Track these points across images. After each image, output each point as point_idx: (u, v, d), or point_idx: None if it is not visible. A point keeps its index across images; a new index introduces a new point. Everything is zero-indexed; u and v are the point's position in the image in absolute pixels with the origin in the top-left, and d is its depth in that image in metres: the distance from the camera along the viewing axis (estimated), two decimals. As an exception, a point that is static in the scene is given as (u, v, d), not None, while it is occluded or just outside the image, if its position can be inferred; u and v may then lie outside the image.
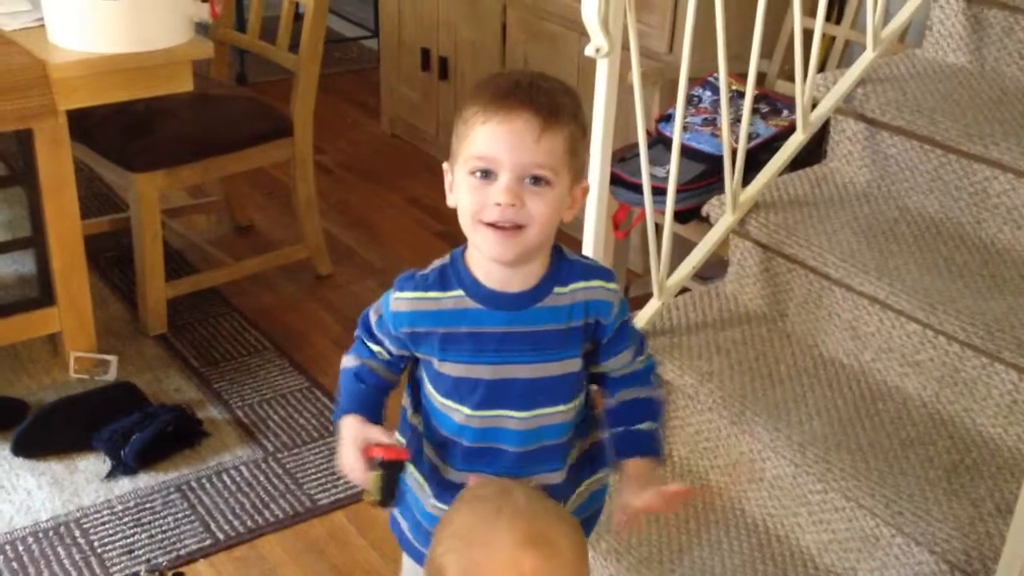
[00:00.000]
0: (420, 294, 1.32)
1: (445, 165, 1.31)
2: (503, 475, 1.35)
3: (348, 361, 1.42)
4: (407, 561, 1.53)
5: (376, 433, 1.33)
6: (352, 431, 1.34)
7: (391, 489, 1.31)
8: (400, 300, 1.33)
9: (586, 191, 1.34)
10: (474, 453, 1.37)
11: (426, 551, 1.44)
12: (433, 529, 1.38)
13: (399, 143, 4.00)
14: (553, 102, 1.23)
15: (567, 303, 1.32)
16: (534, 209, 1.23)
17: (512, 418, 1.34)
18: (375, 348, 1.40)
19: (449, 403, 1.35)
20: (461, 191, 1.26)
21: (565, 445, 1.40)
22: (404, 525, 1.49)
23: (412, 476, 1.44)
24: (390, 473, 1.30)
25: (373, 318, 1.39)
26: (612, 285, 1.36)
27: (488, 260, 1.28)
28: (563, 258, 1.34)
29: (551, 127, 1.22)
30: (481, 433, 1.35)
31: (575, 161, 1.27)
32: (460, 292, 1.31)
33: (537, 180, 1.23)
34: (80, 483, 2.23)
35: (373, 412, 1.38)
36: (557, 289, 1.32)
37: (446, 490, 1.39)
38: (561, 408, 1.36)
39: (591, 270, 1.35)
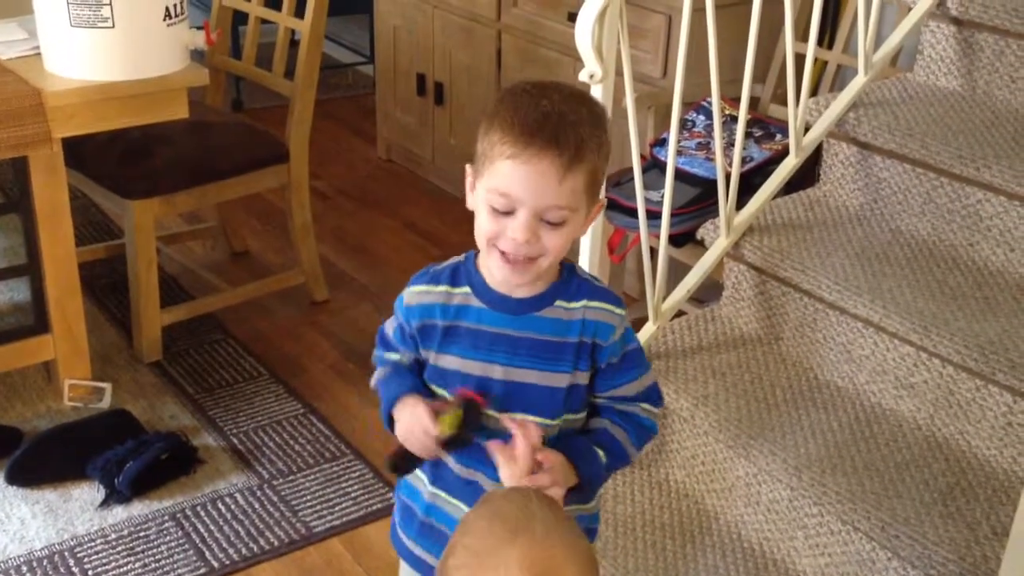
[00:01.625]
0: (431, 287, 1.37)
1: (468, 167, 1.32)
2: (492, 477, 1.34)
3: (378, 374, 1.44)
4: (404, 569, 1.53)
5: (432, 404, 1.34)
6: (410, 407, 1.34)
7: (473, 424, 1.31)
8: (413, 293, 1.38)
9: (602, 206, 1.35)
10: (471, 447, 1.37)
11: (420, 553, 1.46)
12: (427, 520, 1.43)
13: (395, 168, 4.01)
14: (579, 139, 1.23)
15: (569, 318, 1.34)
16: (549, 243, 1.26)
17: (492, 417, 1.35)
18: (395, 357, 1.43)
19: (442, 392, 1.37)
20: (480, 210, 1.28)
21: None
22: (400, 532, 1.50)
23: (426, 487, 1.45)
24: (470, 411, 1.31)
25: (389, 330, 1.43)
26: (618, 310, 1.36)
27: (496, 273, 1.31)
28: (574, 275, 1.36)
29: (574, 167, 1.23)
30: None
31: (594, 188, 1.28)
32: (467, 289, 1.35)
33: (553, 221, 1.25)
34: (74, 512, 2.22)
35: (411, 383, 1.39)
36: (561, 303, 1.34)
37: (440, 477, 1.41)
38: (545, 421, 1.35)
39: (600, 292, 1.37)
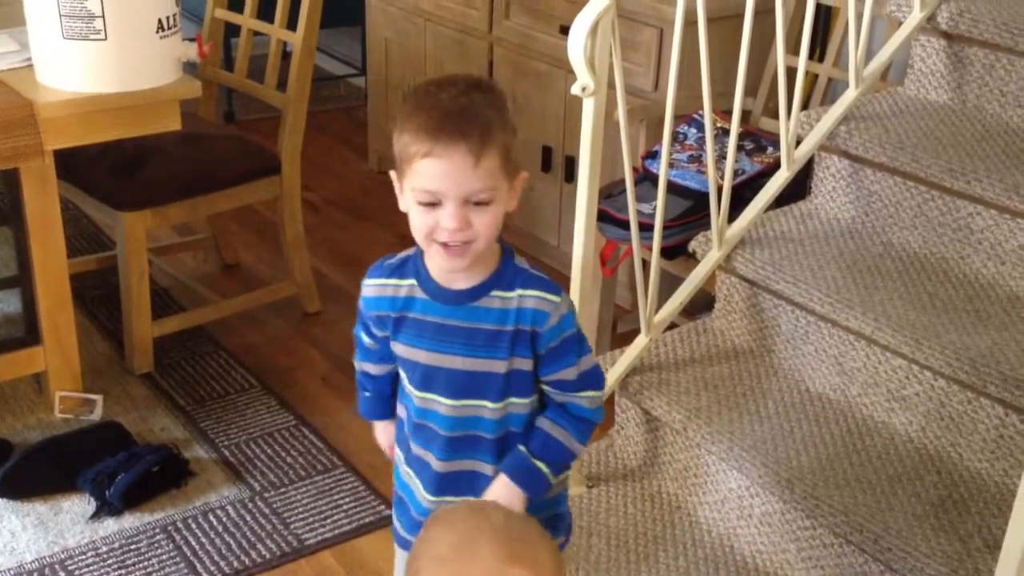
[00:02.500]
0: (383, 280, 1.47)
1: (392, 173, 1.41)
2: (438, 457, 1.48)
3: (355, 363, 1.62)
4: (400, 554, 1.64)
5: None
6: (376, 433, 1.65)
7: None
8: (368, 287, 1.48)
9: (524, 180, 1.41)
10: (418, 428, 1.50)
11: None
12: (421, 518, 1.51)
13: (387, 180, 3.98)
14: (484, 125, 1.32)
15: (504, 307, 1.41)
16: (480, 225, 1.34)
17: (440, 403, 1.46)
18: (367, 340, 1.54)
19: (403, 377, 1.50)
20: (411, 211, 1.37)
21: (496, 441, 1.47)
22: (396, 522, 1.62)
23: (402, 465, 1.57)
24: None
25: (361, 307, 1.52)
26: (553, 297, 1.42)
27: (440, 266, 1.40)
28: (511, 264, 1.43)
29: (485, 151, 1.32)
30: (421, 411, 1.48)
31: (510, 164, 1.36)
32: (413, 281, 1.44)
33: (480, 201, 1.33)
34: (65, 524, 2.21)
35: (382, 412, 1.62)
36: (497, 292, 1.42)
37: (406, 456, 1.55)
38: (488, 404, 1.45)
39: (535, 280, 1.43)
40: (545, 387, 1.48)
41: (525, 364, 1.44)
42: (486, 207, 1.34)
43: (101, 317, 2.96)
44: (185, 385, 2.69)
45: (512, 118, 1.39)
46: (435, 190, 1.32)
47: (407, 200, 1.37)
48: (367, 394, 1.62)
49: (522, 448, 1.47)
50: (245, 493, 2.33)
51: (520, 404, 1.47)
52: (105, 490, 2.24)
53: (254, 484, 2.35)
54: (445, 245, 1.35)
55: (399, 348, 1.47)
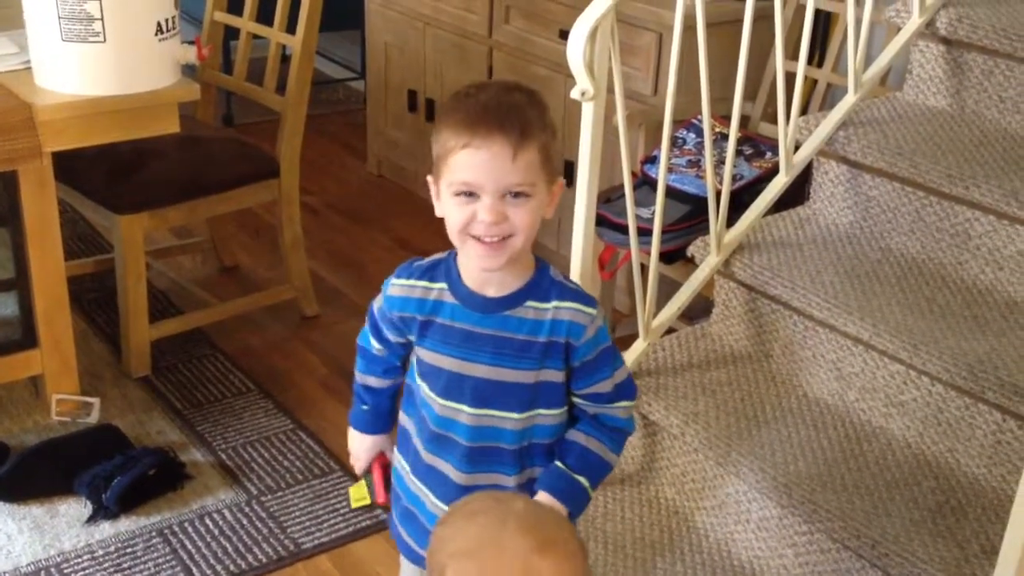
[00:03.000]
0: (412, 281, 1.44)
1: (429, 177, 1.40)
2: (459, 468, 1.45)
3: (357, 375, 1.59)
4: (405, 564, 1.62)
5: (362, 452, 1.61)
6: (355, 443, 1.62)
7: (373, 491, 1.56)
8: (395, 286, 1.45)
9: (562, 187, 1.41)
10: (436, 438, 1.46)
11: (413, 546, 1.55)
12: (411, 508, 1.53)
13: (386, 184, 4.01)
14: (523, 120, 1.32)
15: (539, 318, 1.39)
16: (517, 220, 1.32)
17: (463, 412, 1.43)
18: (375, 347, 1.53)
19: (424, 384, 1.46)
20: (448, 207, 1.35)
21: (517, 452, 1.45)
22: (400, 528, 1.58)
23: (408, 476, 1.54)
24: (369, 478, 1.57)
25: (375, 307, 1.51)
26: (590, 310, 1.41)
27: (476, 265, 1.37)
28: (547, 276, 1.42)
29: (524, 145, 1.31)
30: (442, 420, 1.45)
31: (549, 165, 1.36)
32: (444, 285, 1.42)
33: (517, 195, 1.32)
34: (61, 528, 2.21)
35: (373, 427, 1.59)
36: (532, 303, 1.40)
37: (414, 465, 1.52)
38: (512, 415, 1.42)
39: (572, 292, 1.42)
40: (578, 400, 1.46)
41: (555, 376, 1.42)
42: (524, 202, 1.32)
43: (98, 320, 2.96)
44: (182, 388, 2.68)
45: (552, 119, 1.38)
46: (472, 181, 1.31)
47: (444, 199, 1.36)
48: (364, 407, 1.59)
49: (560, 464, 1.44)
50: (242, 497, 2.32)
51: (549, 416, 1.45)
52: (101, 493, 2.23)
53: (251, 488, 2.35)
54: (481, 241, 1.33)
55: (424, 353, 1.44)
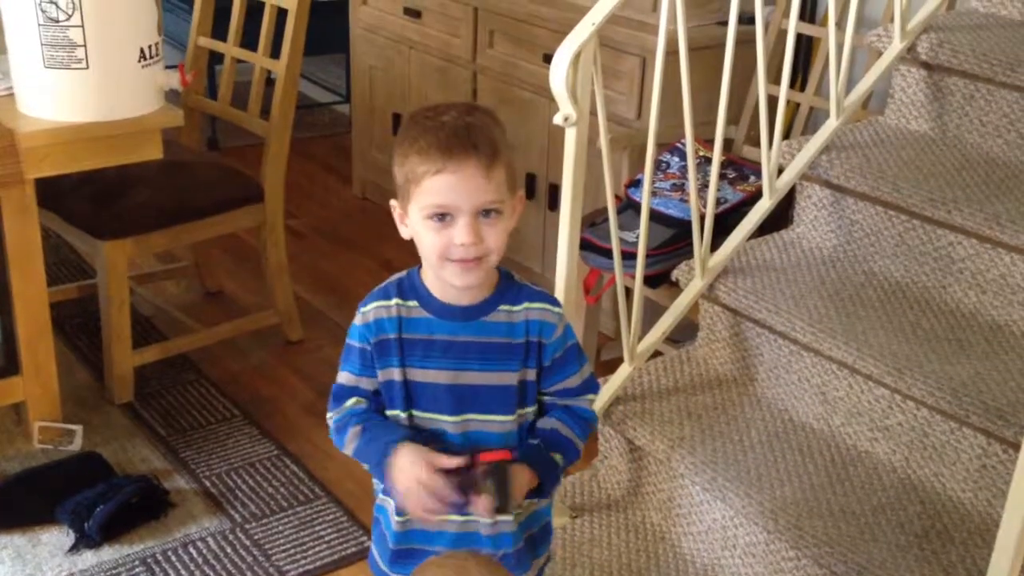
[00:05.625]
0: (384, 302, 1.45)
1: (393, 202, 1.43)
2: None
3: (352, 433, 1.47)
4: None
5: (436, 456, 1.39)
6: (411, 459, 1.38)
7: (504, 491, 1.38)
8: (368, 312, 1.46)
9: (522, 199, 1.44)
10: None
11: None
12: (399, 547, 1.51)
13: (371, 207, 4.00)
14: (491, 141, 1.35)
15: (512, 320, 1.43)
16: (491, 240, 1.36)
17: (446, 422, 1.44)
18: (352, 403, 1.48)
19: (403, 412, 1.45)
20: (420, 231, 1.38)
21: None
22: (377, 557, 1.57)
23: (382, 500, 1.52)
24: (501, 477, 1.38)
25: (345, 378, 1.48)
26: (558, 309, 1.47)
27: (452, 283, 1.40)
28: (513, 280, 1.47)
29: (495, 164, 1.35)
30: (464, 438, 1.45)
31: (513, 181, 1.40)
32: (415, 302, 1.45)
33: (489, 212, 1.35)
34: (43, 557, 2.18)
35: (395, 432, 1.44)
36: (505, 307, 1.44)
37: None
38: (499, 418, 1.45)
39: (538, 294, 1.47)
40: (547, 397, 1.49)
41: (533, 375, 1.46)
42: (496, 220, 1.36)
43: (81, 346, 2.94)
44: (166, 415, 2.67)
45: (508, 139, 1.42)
46: (448, 204, 1.33)
47: (414, 223, 1.38)
48: (370, 424, 1.45)
49: (535, 441, 1.47)
50: (226, 524, 2.30)
51: (528, 414, 1.48)
52: (84, 522, 2.21)
53: (235, 515, 2.33)
54: (460, 261, 1.36)
55: (415, 374, 1.44)
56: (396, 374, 1.45)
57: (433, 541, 1.49)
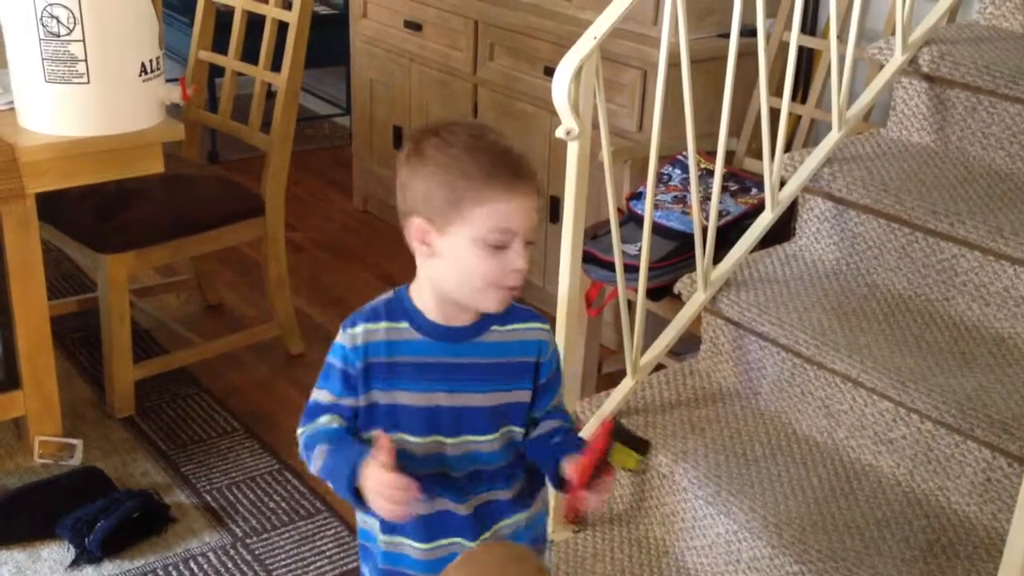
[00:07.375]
0: (372, 325, 1.41)
1: (419, 220, 1.36)
2: (455, 500, 1.43)
3: (318, 453, 1.41)
4: None
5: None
6: (373, 472, 1.31)
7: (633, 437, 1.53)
8: (355, 334, 1.41)
9: None
10: (427, 480, 1.40)
11: None
12: (386, 567, 1.49)
13: (371, 220, 4.00)
14: (533, 168, 1.36)
15: (505, 340, 1.43)
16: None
17: (445, 443, 1.42)
18: (325, 421, 1.43)
19: (396, 436, 1.40)
20: (464, 255, 1.33)
21: (507, 467, 1.46)
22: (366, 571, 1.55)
23: (366, 523, 1.49)
24: (620, 430, 1.54)
25: (322, 396, 1.43)
26: (546, 326, 1.47)
27: (484, 309, 1.38)
28: None
29: (538, 192, 1.37)
30: (460, 460, 1.43)
31: None
32: (406, 324, 1.41)
33: (532, 239, 1.36)
34: (43, 572, 2.17)
35: (357, 449, 1.38)
36: (496, 327, 1.43)
37: (394, 523, 1.42)
38: (487, 437, 1.43)
39: (525, 313, 1.46)
40: (541, 415, 1.47)
41: (527, 395, 1.45)
42: (531, 248, 1.36)
43: (82, 360, 2.93)
44: (167, 429, 2.66)
45: None
46: (513, 228, 1.32)
47: (455, 246, 1.33)
48: (345, 440, 1.40)
49: (557, 439, 1.46)
50: (227, 539, 2.29)
51: (517, 432, 1.46)
52: (84, 537, 2.20)
53: (236, 530, 2.32)
54: (510, 288, 1.35)
55: (395, 396, 1.40)
56: (382, 397, 1.41)
57: (419, 568, 1.46)
